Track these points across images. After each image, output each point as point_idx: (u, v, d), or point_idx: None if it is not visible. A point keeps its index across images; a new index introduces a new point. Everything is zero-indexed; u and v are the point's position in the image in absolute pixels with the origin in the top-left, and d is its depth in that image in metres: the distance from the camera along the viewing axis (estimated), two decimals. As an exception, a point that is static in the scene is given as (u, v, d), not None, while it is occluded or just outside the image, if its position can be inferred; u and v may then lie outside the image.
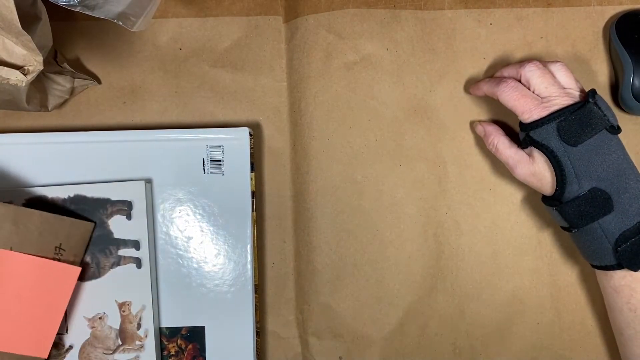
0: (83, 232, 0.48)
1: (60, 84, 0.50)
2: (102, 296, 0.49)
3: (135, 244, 0.49)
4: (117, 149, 0.50)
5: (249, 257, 0.51)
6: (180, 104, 0.54)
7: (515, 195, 0.53)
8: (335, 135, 0.53)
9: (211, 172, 0.51)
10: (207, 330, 0.50)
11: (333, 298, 0.53)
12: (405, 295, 0.53)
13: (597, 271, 0.48)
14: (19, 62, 0.42)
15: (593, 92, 0.45)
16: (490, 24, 0.54)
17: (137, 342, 0.49)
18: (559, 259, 0.53)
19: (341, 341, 0.53)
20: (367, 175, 0.53)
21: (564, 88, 0.47)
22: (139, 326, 0.49)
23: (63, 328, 0.49)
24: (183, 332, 0.50)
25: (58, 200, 0.49)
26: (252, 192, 0.51)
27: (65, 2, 0.38)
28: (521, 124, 0.47)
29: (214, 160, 0.51)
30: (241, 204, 0.51)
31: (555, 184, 0.46)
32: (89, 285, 0.49)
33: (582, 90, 0.47)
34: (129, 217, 0.49)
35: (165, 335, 0.50)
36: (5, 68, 0.41)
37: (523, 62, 0.48)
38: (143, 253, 0.49)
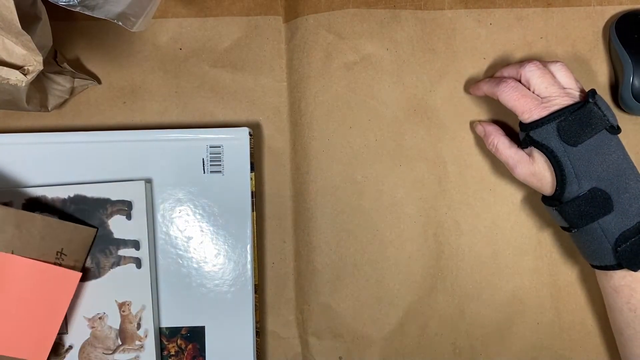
0: (85, 237, 0.48)
1: (60, 84, 0.50)
2: (102, 296, 0.49)
3: (135, 244, 0.49)
4: (117, 149, 0.50)
5: (249, 257, 0.51)
6: (180, 104, 0.54)
7: (515, 195, 0.53)
8: (335, 135, 0.53)
9: (211, 172, 0.51)
10: (207, 330, 0.50)
11: (333, 298, 0.53)
12: (405, 295, 0.53)
13: (597, 271, 0.48)
14: (18, 62, 0.42)
15: (593, 92, 0.45)
16: (490, 24, 0.54)
17: (137, 342, 0.49)
18: (559, 259, 0.53)
19: (341, 341, 0.53)
20: (367, 175, 0.53)
21: (564, 88, 0.47)
22: (139, 326, 0.49)
23: (63, 328, 0.49)
24: (183, 332, 0.50)
25: (58, 201, 0.49)
26: (252, 192, 0.51)
27: (65, 2, 0.38)
28: (521, 124, 0.47)
29: (214, 160, 0.51)
30: (241, 204, 0.51)
31: (555, 184, 0.46)
32: (89, 285, 0.49)
33: (582, 90, 0.47)
34: (129, 217, 0.49)
35: (165, 335, 0.50)
36: (5, 68, 0.41)
37: (523, 62, 0.48)
38: (143, 253, 0.49)
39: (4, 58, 0.41)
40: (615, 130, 0.45)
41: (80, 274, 0.47)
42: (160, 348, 0.50)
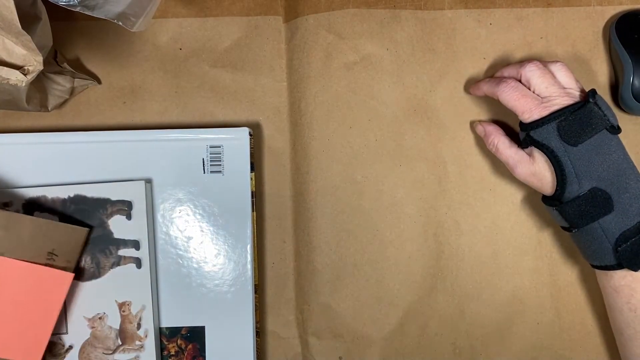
0: (77, 237, 0.48)
1: (60, 84, 0.50)
2: (102, 296, 0.49)
3: (135, 244, 0.49)
4: (117, 149, 0.50)
5: (249, 257, 0.51)
6: (180, 104, 0.54)
7: (515, 195, 0.53)
8: (335, 135, 0.53)
9: (211, 172, 0.51)
10: (207, 330, 0.50)
11: (333, 298, 0.53)
12: (405, 295, 0.53)
13: (597, 271, 0.48)
14: (19, 62, 0.42)
15: (593, 92, 0.45)
16: (490, 24, 0.54)
17: (137, 342, 0.49)
18: (559, 259, 0.53)
19: (341, 341, 0.53)
20: (367, 175, 0.53)
21: (564, 88, 0.47)
22: (139, 326, 0.49)
23: (63, 328, 0.49)
24: (183, 332, 0.50)
25: (58, 201, 0.49)
26: (252, 192, 0.51)
27: (65, 2, 0.38)
28: (521, 123, 0.47)
29: (214, 160, 0.51)
30: (241, 204, 0.51)
31: (556, 183, 0.46)
32: (89, 285, 0.49)
33: (582, 90, 0.47)
34: (129, 217, 0.49)
35: (165, 335, 0.50)
36: (5, 68, 0.41)
37: (523, 62, 0.48)
38: (143, 253, 0.49)
39: (4, 58, 0.41)
40: (616, 130, 0.45)
41: (72, 275, 0.47)
42: (160, 348, 0.50)
